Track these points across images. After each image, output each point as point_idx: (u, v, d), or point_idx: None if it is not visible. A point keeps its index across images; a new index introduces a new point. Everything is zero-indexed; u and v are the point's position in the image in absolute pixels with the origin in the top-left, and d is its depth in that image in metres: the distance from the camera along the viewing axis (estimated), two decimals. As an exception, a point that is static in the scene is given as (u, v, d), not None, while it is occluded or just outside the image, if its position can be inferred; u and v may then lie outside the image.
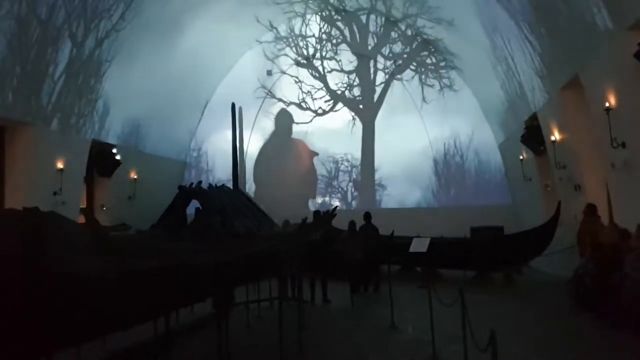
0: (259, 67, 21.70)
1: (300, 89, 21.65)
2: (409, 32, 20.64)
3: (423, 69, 20.64)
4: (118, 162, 16.08)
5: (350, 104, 21.33)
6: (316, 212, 12.94)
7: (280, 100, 21.74)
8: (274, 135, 22.04)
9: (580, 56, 10.51)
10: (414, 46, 20.74)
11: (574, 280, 9.77)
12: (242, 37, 20.42)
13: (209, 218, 14.15)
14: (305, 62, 21.55)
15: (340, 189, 21.63)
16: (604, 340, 7.69)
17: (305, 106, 21.61)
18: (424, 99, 20.59)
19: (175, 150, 20.72)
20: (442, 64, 20.35)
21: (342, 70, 21.44)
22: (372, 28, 21.19)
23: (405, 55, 20.87)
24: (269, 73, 21.72)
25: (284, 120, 21.91)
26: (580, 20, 9.83)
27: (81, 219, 12.65)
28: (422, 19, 19.12)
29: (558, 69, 11.85)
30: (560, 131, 12.82)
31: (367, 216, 13.92)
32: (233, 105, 20.87)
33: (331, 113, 21.56)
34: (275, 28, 21.13)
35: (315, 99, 21.57)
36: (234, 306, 10.12)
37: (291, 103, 21.72)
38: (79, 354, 6.24)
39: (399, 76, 20.90)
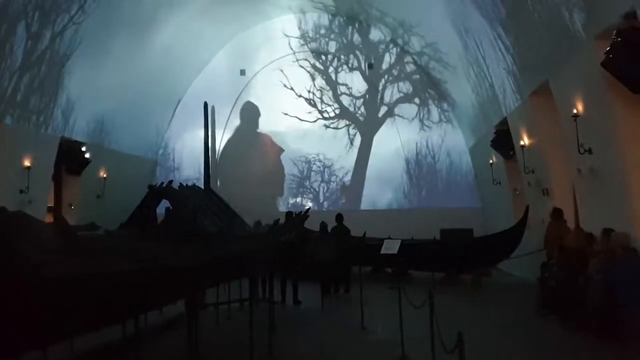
0: (234, 66, 21.59)
1: (314, 84, 21.57)
2: (418, 71, 20.87)
3: (426, 102, 20.81)
4: (87, 160, 15.80)
5: (354, 118, 21.40)
6: (288, 213, 12.94)
7: (291, 89, 21.55)
8: (239, 129, 21.86)
9: (550, 63, 10.70)
10: (421, 83, 20.86)
11: (540, 282, 9.97)
12: (217, 34, 20.30)
13: (179, 218, 14.02)
14: (322, 67, 21.58)
15: (312, 190, 21.62)
16: (569, 342, 7.85)
17: (313, 103, 21.55)
18: (422, 128, 20.77)
19: (146, 149, 20.43)
20: (445, 103, 20.55)
21: (351, 95, 21.47)
22: (384, 65, 21.30)
23: (410, 90, 21.04)
24: (242, 73, 21.60)
25: (250, 114, 21.77)
26: (551, 28, 10.02)
27: (49, 218, 12.45)
28: (433, 62, 19.31)
29: (528, 75, 12.06)
30: (529, 136, 13.03)
31: (339, 217, 13.98)
32: (205, 104, 20.74)
33: (332, 123, 21.55)
34: (303, 14, 21.22)
35: (324, 110, 21.54)
36: (205, 307, 10.08)
37: (300, 96, 21.63)
38: (45, 356, 6.14)
39: (400, 114, 20.96)
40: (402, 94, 21.04)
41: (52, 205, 15.33)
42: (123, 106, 16.85)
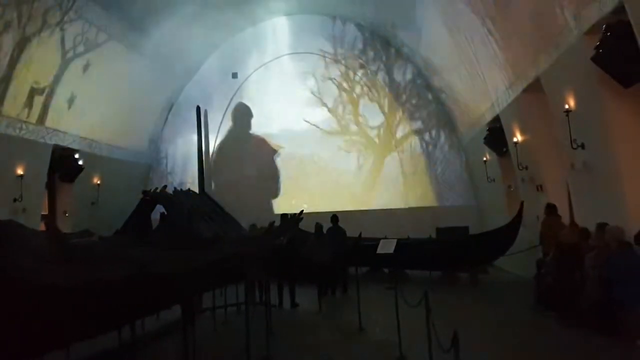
0: (226, 69, 21.55)
1: (340, 96, 21.45)
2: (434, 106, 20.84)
3: (437, 138, 20.74)
4: (81, 167, 15.72)
5: (370, 143, 21.37)
6: (283, 215, 12.92)
7: (319, 97, 21.45)
8: (232, 131, 21.71)
9: (540, 59, 10.72)
10: (437, 117, 20.76)
11: (536, 279, 9.98)
12: (208, 39, 20.26)
13: (174, 223, 13.99)
14: (348, 88, 21.52)
15: (307, 191, 21.52)
16: (566, 339, 7.85)
17: (333, 116, 21.45)
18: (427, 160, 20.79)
19: (139, 154, 20.38)
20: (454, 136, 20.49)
21: (367, 125, 21.36)
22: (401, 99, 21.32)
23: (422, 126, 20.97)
24: (235, 76, 21.55)
25: (242, 115, 21.65)
26: (541, 23, 10.04)
27: (43, 226, 12.41)
28: (449, 101, 19.39)
29: (520, 71, 12.08)
30: (522, 133, 13.05)
31: (334, 219, 13.95)
32: (198, 108, 20.70)
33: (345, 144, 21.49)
34: (340, 19, 21.08)
35: (344, 124, 21.48)
36: (201, 312, 10.06)
37: (324, 105, 21.51)
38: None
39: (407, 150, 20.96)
40: (414, 129, 20.95)
41: (46, 213, 15.27)
42: (115, 112, 16.80)
